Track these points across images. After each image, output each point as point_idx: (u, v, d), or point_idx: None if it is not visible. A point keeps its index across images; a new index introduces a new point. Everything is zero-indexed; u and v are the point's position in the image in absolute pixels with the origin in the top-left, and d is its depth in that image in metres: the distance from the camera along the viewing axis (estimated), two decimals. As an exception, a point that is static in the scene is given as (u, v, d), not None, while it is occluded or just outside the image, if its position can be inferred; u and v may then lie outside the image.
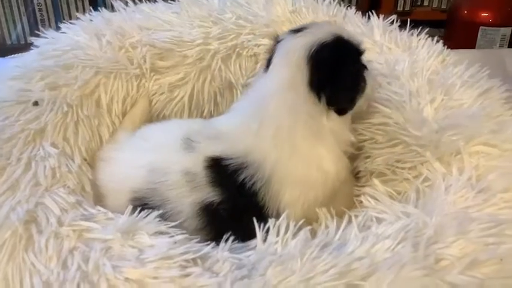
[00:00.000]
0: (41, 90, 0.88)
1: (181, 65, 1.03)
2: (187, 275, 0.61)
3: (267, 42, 1.04)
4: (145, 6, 1.07)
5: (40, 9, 2.29)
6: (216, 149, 0.77)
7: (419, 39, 1.01)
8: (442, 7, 2.51)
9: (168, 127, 0.90)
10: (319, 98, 0.74)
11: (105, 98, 0.94)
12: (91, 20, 1.03)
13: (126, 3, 1.08)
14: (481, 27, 2.15)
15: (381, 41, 1.02)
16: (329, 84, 0.74)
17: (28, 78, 0.90)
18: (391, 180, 0.81)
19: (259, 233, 0.67)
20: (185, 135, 0.80)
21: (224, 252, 0.65)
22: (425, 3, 2.53)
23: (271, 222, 0.67)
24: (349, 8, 1.10)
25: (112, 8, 1.07)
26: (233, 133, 0.78)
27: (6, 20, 2.29)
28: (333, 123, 0.77)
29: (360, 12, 1.09)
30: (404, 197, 0.75)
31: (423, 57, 0.95)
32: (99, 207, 0.74)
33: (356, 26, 1.06)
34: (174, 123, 0.96)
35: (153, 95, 1.03)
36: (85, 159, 0.86)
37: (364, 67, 0.81)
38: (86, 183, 0.81)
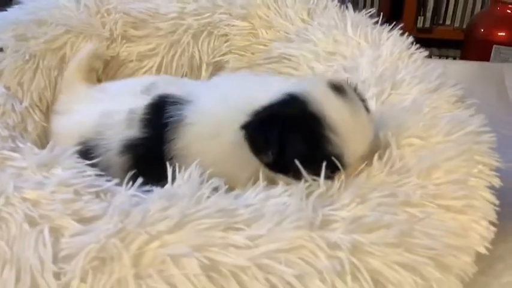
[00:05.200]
0: (7, 39, 0.92)
1: (153, 36, 1.06)
2: (78, 200, 0.61)
3: (239, 24, 1.07)
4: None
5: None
6: (166, 90, 0.79)
7: (389, 36, 1.00)
8: (464, 27, 2.46)
9: (134, 80, 0.94)
10: None
11: (70, 55, 0.98)
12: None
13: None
14: (494, 46, 2.14)
15: (351, 36, 1.02)
16: None
17: (1, 28, 0.95)
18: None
19: (170, 176, 0.66)
20: (151, 82, 0.84)
21: (128, 190, 0.66)
22: (447, 22, 2.49)
23: (179, 168, 0.67)
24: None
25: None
26: (190, 83, 0.83)
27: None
28: None
29: (338, 5, 1.08)
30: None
31: (386, 53, 0.94)
32: (30, 145, 0.76)
33: (331, 18, 1.06)
34: (140, 78, 1.01)
35: (122, 60, 1.06)
36: (37, 106, 0.89)
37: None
38: (29, 125, 0.84)
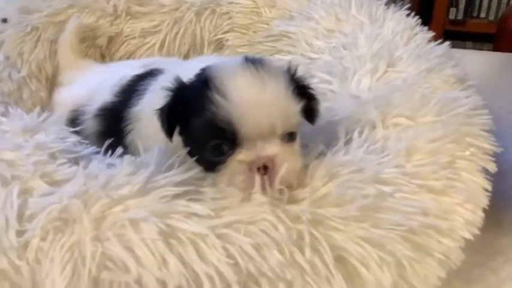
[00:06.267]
0: (12, 11, 0.95)
1: (156, 13, 1.07)
2: (51, 164, 0.62)
3: (243, 2, 1.05)
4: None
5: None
6: (156, 64, 0.80)
7: (394, 15, 0.97)
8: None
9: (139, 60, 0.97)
10: None
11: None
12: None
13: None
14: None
15: (355, 14, 0.99)
16: None
17: (7, 0, 0.97)
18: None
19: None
20: (152, 60, 0.86)
21: (103, 157, 0.66)
22: (482, 15, 2.39)
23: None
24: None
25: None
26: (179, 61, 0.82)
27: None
28: None
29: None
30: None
31: (387, 31, 0.91)
32: (20, 111, 0.77)
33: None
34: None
35: (126, 37, 1.07)
36: (35, 76, 0.91)
37: None
38: (25, 93, 0.87)
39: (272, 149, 0.58)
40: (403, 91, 0.73)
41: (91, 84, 0.86)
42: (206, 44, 1.06)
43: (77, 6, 1.01)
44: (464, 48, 2.29)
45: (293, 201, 0.57)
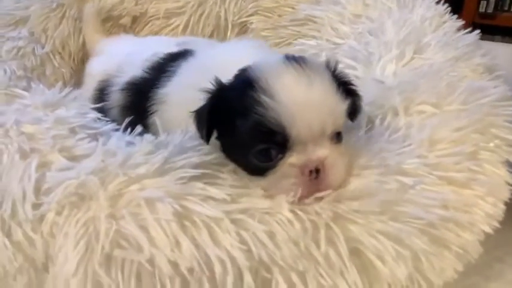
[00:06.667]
0: (38, -13, 0.95)
1: (182, -6, 1.06)
2: (71, 138, 0.62)
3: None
4: None
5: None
6: (190, 44, 0.81)
7: (422, 1, 0.94)
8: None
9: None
10: None
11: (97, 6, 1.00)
12: None
13: None
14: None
15: (384, 1, 0.96)
16: None
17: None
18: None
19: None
20: (187, 40, 0.86)
21: (124, 134, 0.66)
22: (513, 8, 2.30)
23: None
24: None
25: None
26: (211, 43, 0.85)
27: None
28: None
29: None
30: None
31: (416, 18, 0.88)
32: (42, 86, 0.78)
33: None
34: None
35: (150, 17, 1.06)
36: (59, 52, 0.92)
37: None
38: (48, 69, 0.87)
39: (323, 151, 0.56)
40: (429, 78, 0.71)
41: (122, 55, 0.86)
42: (230, 26, 1.05)
43: (101, -16, 1.01)
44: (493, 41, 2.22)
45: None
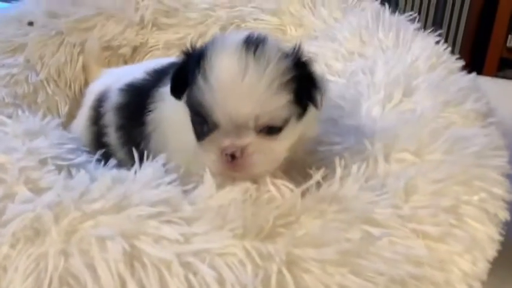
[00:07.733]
0: (39, 14, 0.97)
1: (182, 26, 1.06)
2: (39, 170, 0.62)
3: (269, 18, 1.03)
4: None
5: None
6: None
7: (423, 42, 0.91)
8: None
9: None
10: None
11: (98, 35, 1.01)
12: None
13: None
14: None
15: (381, 37, 0.94)
16: None
17: (36, 3, 1.00)
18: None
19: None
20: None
21: (96, 167, 0.65)
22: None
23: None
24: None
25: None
26: None
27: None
28: None
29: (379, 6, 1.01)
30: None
31: (411, 58, 0.85)
32: (28, 114, 0.78)
33: (364, 19, 0.99)
34: None
35: (150, 47, 1.07)
36: (54, 80, 0.93)
37: None
38: (40, 97, 0.88)
39: (242, 140, 0.57)
40: (413, 123, 0.68)
41: (120, 72, 0.88)
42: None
43: (104, 14, 1.03)
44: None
45: (270, 236, 0.54)
